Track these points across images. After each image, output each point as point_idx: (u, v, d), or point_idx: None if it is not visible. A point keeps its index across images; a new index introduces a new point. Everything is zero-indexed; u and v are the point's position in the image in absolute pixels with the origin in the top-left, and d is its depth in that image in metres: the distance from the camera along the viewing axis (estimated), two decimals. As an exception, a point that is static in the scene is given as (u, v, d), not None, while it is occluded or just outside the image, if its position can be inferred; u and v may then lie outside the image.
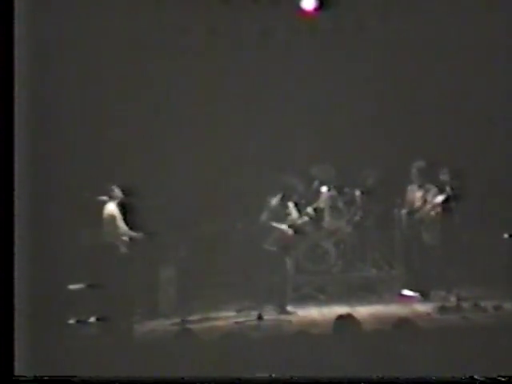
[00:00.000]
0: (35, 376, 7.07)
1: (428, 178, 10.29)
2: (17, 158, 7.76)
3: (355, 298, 10.39)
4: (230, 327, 9.18)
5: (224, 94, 11.21)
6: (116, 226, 9.56)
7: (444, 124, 11.14)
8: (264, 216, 10.11)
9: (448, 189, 9.97)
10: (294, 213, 10.20)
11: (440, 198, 10.09)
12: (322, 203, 11.43)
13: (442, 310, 9.22)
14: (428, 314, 9.16)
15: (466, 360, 6.72)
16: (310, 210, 10.43)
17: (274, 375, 6.77)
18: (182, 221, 10.88)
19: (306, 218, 10.32)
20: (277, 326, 9.23)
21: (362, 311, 9.39)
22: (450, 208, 9.87)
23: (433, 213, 10.17)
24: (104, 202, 9.63)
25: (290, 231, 10.12)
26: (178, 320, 9.37)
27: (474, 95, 10.79)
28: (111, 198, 9.63)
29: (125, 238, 9.57)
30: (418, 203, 10.29)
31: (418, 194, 10.32)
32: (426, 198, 10.25)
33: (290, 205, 10.24)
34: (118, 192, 9.64)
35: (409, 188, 10.46)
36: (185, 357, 7.12)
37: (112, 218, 9.58)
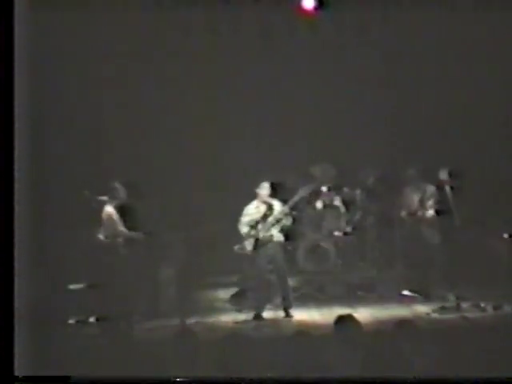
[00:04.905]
0: (35, 376, 7.06)
1: (427, 179, 10.30)
2: (17, 157, 7.75)
3: (355, 298, 10.38)
4: (229, 327, 9.18)
5: (224, 94, 11.22)
6: (116, 226, 9.57)
7: (444, 124, 11.16)
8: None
9: (441, 186, 9.98)
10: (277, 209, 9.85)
11: (429, 199, 10.13)
12: (321, 203, 11.45)
13: (442, 310, 9.21)
14: (428, 314, 9.16)
15: (465, 360, 6.71)
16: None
17: (273, 375, 6.76)
18: (182, 221, 10.89)
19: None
20: (277, 326, 9.23)
21: (362, 311, 9.39)
22: (449, 208, 9.87)
23: (428, 213, 10.17)
24: (104, 202, 9.64)
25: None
26: (177, 320, 9.36)
27: (474, 95, 10.80)
28: (112, 197, 9.64)
29: (124, 238, 9.58)
30: (416, 204, 10.30)
31: (416, 195, 10.33)
32: (423, 199, 10.26)
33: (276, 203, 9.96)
34: (120, 190, 9.64)
35: (407, 189, 10.46)
36: (185, 357, 7.11)
37: (111, 217, 9.59)
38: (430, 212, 10.12)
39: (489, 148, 10.86)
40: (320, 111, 11.44)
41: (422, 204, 10.22)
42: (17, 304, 7.53)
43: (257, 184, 9.78)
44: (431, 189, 10.16)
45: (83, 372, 6.96)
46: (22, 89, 7.89)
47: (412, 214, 10.31)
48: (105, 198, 9.65)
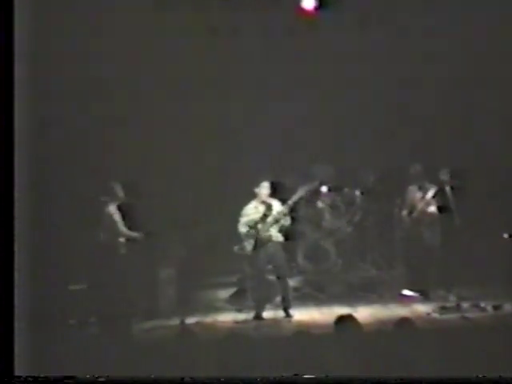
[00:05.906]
0: (35, 376, 7.06)
1: (428, 179, 10.29)
2: (17, 157, 7.76)
3: (355, 298, 10.38)
4: (229, 327, 9.18)
5: (224, 94, 11.21)
6: (116, 226, 9.56)
7: (444, 124, 11.15)
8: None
9: (441, 186, 9.98)
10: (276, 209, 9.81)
11: (430, 194, 10.13)
12: (321, 203, 11.45)
13: (442, 310, 9.21)
14: (428, 314, 9.16)
15: (466, 360, 6.71)
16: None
17: (273, 375, 6.76)
18: (182, 221, 10.89)
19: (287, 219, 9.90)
20: (277, 326, 9.23)
21: (362, 311, 9.39)
22: (450, 208, 9.87)
23: (428, 210, 10.17)
24: (104, 203, 9.64)
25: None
26: (177, 320, 9.36)
27: (474, 95, 10.79)
28: (111, 197, 9.64)
29: (124, 238, 9.58)
30: (418, 204, 10.29)
31: (418, 194, 10.33)
32: (424, 198, 10.26)
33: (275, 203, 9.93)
34: (118, 190, 9.65)
35: (409, 188, 10.46)
36: (185, 357, 7.11)
37: (112, 217, 9.59)
38: (432, 210, 10.13)
39: (489, 148, 10.85)
40: (320, 111, 11.43)
41: (424, 203, 10.21)
42: (17, 304, 7.54)
43: (256, 184, 9.78)
44: (432, 188, 10.16)
45: (83, 372, 6.97)
46: (22, 89, 7.89)
47: (413, 214, 10.30)
48: (105, 198, 9.65)
